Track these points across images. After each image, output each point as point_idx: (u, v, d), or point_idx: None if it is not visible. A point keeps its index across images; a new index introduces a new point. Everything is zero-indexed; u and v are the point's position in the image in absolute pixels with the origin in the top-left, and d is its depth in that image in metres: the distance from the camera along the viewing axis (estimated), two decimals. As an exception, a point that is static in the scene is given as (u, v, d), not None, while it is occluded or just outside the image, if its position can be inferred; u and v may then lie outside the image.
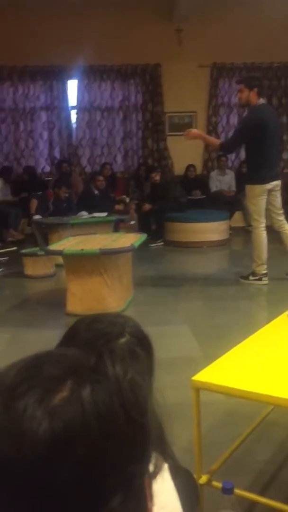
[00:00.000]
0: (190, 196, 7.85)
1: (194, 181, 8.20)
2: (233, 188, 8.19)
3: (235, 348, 1.86)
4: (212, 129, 8.58)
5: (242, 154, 8.68)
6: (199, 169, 8.50)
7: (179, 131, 8.55)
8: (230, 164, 8.57)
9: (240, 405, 2.26)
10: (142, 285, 4.83)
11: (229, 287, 4.90)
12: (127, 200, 7.74)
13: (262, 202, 4.58)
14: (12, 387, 0.48)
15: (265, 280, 4.70)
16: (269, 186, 4.57)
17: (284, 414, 2.21)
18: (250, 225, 7.83)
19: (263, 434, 2.08)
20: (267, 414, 2.07)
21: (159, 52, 8.11)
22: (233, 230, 7.54)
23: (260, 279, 4.71)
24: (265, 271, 4.70)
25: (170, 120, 8.53)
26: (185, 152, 8.45)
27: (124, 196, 7.84)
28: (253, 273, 4.75)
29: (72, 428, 0.45)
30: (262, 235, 4.63)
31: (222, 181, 8.24)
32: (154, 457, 0.54)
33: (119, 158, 8.60)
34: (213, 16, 7.90)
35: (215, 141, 4.87)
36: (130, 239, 4.36)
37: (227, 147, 4.74)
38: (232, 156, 8.66)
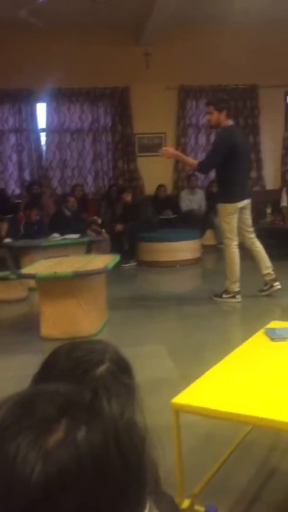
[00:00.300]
0: (161, 215, 7.90)
1: (164, 201, 8.27)
2: (203, 207, 8.29)
3: (213, 369, 1.86)
4: (181, 149, 8.68)
5: (212, 173, 8.82)
6: (169, 189, 8.58)
7: (149, 152, 8.68)
8: (200, 183, 8.68)
9: (220, 425, 2.25)
10: (117, 306, 4.80)
11: (203, 305, 4.93)
12: (99, 221, 7.73)
13: (234, 220, 4.65)
14: (3, 427, 0.45)
15: (239, 298, 4.74)
16: (240, 204, 4.65)
17: (264, 433, 2.21)
18: (221, 243, 7.96)
19: (244, 454, 2.08)
20: (247, 434, 2.07)
21: (127, 75, 8.23)
22: (205, 248, 7.61)
23: (233, 297, 4.75)
24: (238, 289, 4.75)
25: (139, 141, 8.62)
26: (155, 172, 8.54)
27: (96, 217, 7.83)
28: (226, 291, 4.79)
29: (66, 473, 0.43)
30: (234, 253, 4.69)
31: (192, 200, 8.34)
32: (148, 500, 0.52)
33: (89, 180, 8.61)
34: (179, 40, 8.10)
35: (191, 161, 4.92)
36: (104, 261, 4.35)
37: (203, 167, 4.80)
38: (201, 176, 8.78)
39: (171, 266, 6.82)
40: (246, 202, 4.72)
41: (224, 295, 4.78)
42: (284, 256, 6.28)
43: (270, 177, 8.94)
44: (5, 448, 0.44)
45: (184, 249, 7.08)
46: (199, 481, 1.78)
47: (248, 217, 4.80)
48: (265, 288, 4.87)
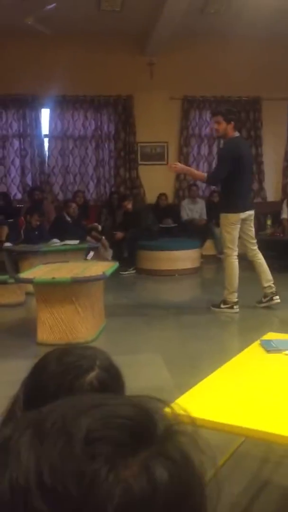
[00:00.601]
0: (162, 224, 7.92)
1: (165, 210, 8.28)
2: (204, 216, 8.30)
3: (207, 379, 1.86)
4: (183, 159, 8.73)
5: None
6: (170, 198, 8.60)
7: (151, 161, 8.72)
8: (201, 193, 8.71)
9: (213, 436, 2.24)
10: (114, 313, 4.80)
11: (201, 315, 4.92)
12: (99, 228, 7.75)
13: (236, 230, 4.66)
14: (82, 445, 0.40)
15: (236, 308, 4.74)
16: (243, 215, 4.66)
17: (256, 445, 2.20)
18: (222, 253, 7.97)
19: (236, 466, 2.06)
20: (239, 446, 2.06)
21: (131, 84, 8.28)
22: (204, 258, 7.61)
23: (231, 307, 4.74)
24: (236, 299, 4.75)
25: (142, 150, 8.66)
26: (156, 181, 8.57)
27: (96, 224, 7.85)
28: (225, 301, 4.78)
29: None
30: (234, 263, 4.70)
31: (193, 210, 8.36)
32: None
33: (91, 186, 8.64)
34: (184, 51, 8.16)
35: (200, 175, 4.94)
36: (102, 267, 4.35)
37: (213, 179, 4.82)
38: (202, 185, 8.82)
39: (170, 275, 6.82)
40: (249, 213, 4.73)
41: (222, 305, 4.78)
42: (284, 268, 6.28)
43: (271, 189, 8.97)
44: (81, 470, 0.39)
45: (184, 258, 7.08)
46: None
47: (251, 228, 4.81)
48: (263, 300, 4.87)
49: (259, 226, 8.10)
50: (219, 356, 2.95)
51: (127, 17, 7.15)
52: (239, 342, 3.91)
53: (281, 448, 2.16)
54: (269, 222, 7.41)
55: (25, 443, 0.41)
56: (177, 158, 8.71)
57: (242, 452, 2.12)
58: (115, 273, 4.87)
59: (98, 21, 7.30)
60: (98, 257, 6.91)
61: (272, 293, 4.82)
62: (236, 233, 4.67)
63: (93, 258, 6.63)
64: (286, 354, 2.11)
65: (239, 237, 4.77)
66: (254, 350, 2.21)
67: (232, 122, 4.61)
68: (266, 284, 4.82)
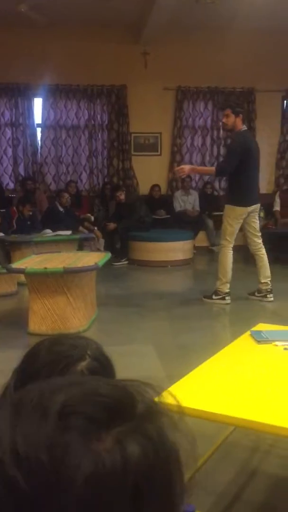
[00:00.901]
0: (155, 215, 7.91)
1: (158, 201, 8.27)
2: (197, 208, 8.31)
3: (197, 369, 1.87)
4: (176, 150, 8.72)
5: (206, 175, 8.86)
6: (163, 189, 8.59)
7: (144, 151, 8.69)
8: (194, 184, 8.70)
9: (203, 425, 2.26)
10: (107, 304, 4.81)
11: (193, 306, 4.94)
12: (92, 218, 7.73)
13: (238, 224, 4.69)
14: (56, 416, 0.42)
15: (228, 299, 4.76)
16: (250, 208, 4.69)
17: (246, 434, 2.22)
18: (214, 245, 7.98)
19: (225, 455, 2.09)
20: (229, 435, 2.08)
21: (125, 74, 8.23)
22: (197, 250, 7.63)
23: (223, 298, 4.77)
24: (228, 290, 4.77)
25: (135, 140, 8.62)
26: (150, 172, 8.55)
27: (89, 215, 7.83)
28: (216, 292, 4.80)
29: (106, 485, 0.40)
30: (229, 255, 4.72)
31: (186, 201, 8.35)
32: None
33: (84, 177, 8.60)
34: (178, 41, 8.10)
35: (209, 169, 4.95)
36: (94, 258, 4.35)
37: (222, 171, 4.77)
38: (196, 177, 8.81)
39: (163, 266, 6.83)
40: (256, 206, 4.76)
41: (214, 296, 4.80)
42: (277, 260, 6.30)
43: (264, 181, 8.94)
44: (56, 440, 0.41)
45: (176, 249, 7.09)
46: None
47: (256, 220, 4.84)
48: (257, 294, 4.88)
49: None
50: (210, 346, 2.97)
51: (121, 6, 7.08)
52: (231, 333, 3.93)
53: (270, 437, 2.18)
54: (262, 214, 7.41)
55: (4, 418, 0.43)
56: (170, 149, 8.70)
57: (232, 441, 2.14)
58: (108, 264, 4.87)
59: (92, 10, 7.22)
60: (91, 247, 6.92)
61: (267, 290, 4.84)
62: (237, 227, 4.69)
63: (85, 248, 6.64)
64: (276, 345, 2.13)
65: (243, 230, 4.80)
66: (244, 340, 2.22)
67: (241, 115, 4.61)
68: (263, 280, 4.84)
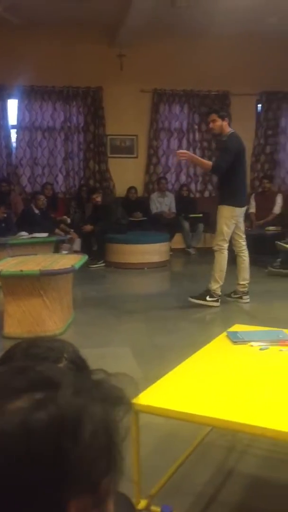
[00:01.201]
0: (131, 217, 7.91)
1: (135, 203, 8.28)
2: (173, 209, 8.34)
3: (174, 370, 1.87)
4: (153, 152, 8.74)
5: (183, 177, 8.91)
6: (140, 191, 8.60)
7: (121, 154, 8.69)
8: (170, 186, 8.74)
9: (180, 426, 2.27)
10: (83, 307, 4.78)
11: (170, 308, 4.95)
12: (68, 220, 7.69)
13: (233, 225, 4.73)
14: None
15: (219, 302, 4.77)
16: (243, 209, 4.83)
17: (222, 435, 2.24)
18: (191, 247, 8.03)
19: (202, 456, 2.10)
20: (206, 436, 2.09)
21: (101, 76, 8.22)
22: (173, 252, 7.66)
23: (217, 300, 4.76)
24: (220, 293, 4.80)
25: (111, 142, 8.62)
26: (126, 174, 8.55)
27: (65, 217, 7.79)
28: (211, 294, 4.74)
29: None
30: (226, 257, 4.74)
31: (162, 203, 8.38)
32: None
33: (60, 179, 8.55)
34: (154, 44, 8.14)
35: (207, 163, 4.86)
36: (71, 260, 4.32)
37: (218, 168, 4.74)
38: (172, 179, 8.85)
39: (139, 268, 6.84)
40: (246, 207, 4.90)
41: (208, 298, 4.75)
42: (253, 261, 6.36)
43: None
44: None
45: (153, 251, 7.11)
46: (157, 482, 1.79)
47: (242, 222, 4.90)
48: (233, 295, 4.93)
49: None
50: (187, 348, 2.98)
51: (97, 8, 7.07)
52: (207, 334, 3.94)
53: (247, 437, 2.20)
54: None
55: None
56: (146, 151, 8.72)
57: (208, 442, 2.15)
58: (84, 266, 4.85)
59: (67, 11, 7.19)
60: (67, 249, 6.88)
61: (243, 292, 4.89)
62: (233, 227, 4.74)
63: (64, 250, 6.60)
64: (252, 345, 2.15)
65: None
66: (220, 341, 2.24)
67: (226, 118, 4.75)
68: (241, 282, 4.89)
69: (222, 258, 4.73)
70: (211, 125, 4.76)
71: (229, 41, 8.11)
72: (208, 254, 7.35)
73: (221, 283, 4.75)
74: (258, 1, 6.64)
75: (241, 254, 4.88)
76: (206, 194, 8.93)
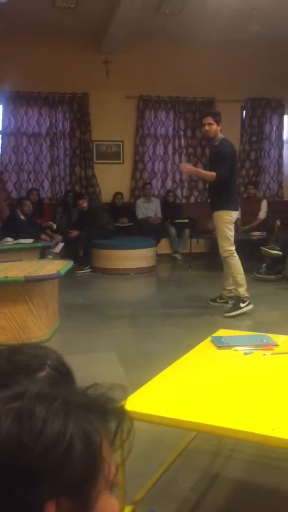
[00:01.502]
0: (117, 223, 7.92)
1: (121, 209, 8.29)
2: (159, 215, 8.37)
3: (159, 375, 1.88)
4: (139, 158, 8.77)
5: (168, 183, 8.94)
6: (126, 197, 8.62)
7: (107, 159, 8.70)
8: (156, 192, 8.77)
9: (166, 432, 2.27)
10: (69, 313, 4.77)
11: (156, 313, 4.96)
12: (54, 226, 7.67)
13: (233, 227, 4.78)
14: None
15: (251, 304, 4.73)
16: (237, 213, 4.87)
17: (208, 440, 2.25)
18: (176, 252, 8.05)
19: (188, 461, 2.10)
20: (191, 441, 2.10)
21: (87, 82, 8.23)
22: (160, 257, 7.68)
23: (249, 304, 4.72)
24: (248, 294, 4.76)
25: (97, 148, 8.63)
26: (112, 180, 8.56)
27: (51, 223, 7.77)
28: (242, 300, 4.69)
29: None
30: (239, 260, 4.73)
31: (148, 208, 8.41)
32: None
33: (46, 184, 8.53)
34: (140, 50, 8.18)
35: (210, 174, 4.77)
36: (56, 266, 4.31)
37: (223, 175, 4.68)
38: (158, 185, 8.88)
39: (126, 273, 6.84)
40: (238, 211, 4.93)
41: (241, 305, 4.69)
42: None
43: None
44: None
45: (139, 257, 7.11)
46: (142, 487, 1.79)
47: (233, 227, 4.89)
48: (219, 300, 4.92)
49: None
50: (172, 353, 2.99)
51: (82, 14, 7.10)
52: (193, 339, 3.95)
53: (232, 442, 2.21)
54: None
55: None
56: (132, 157, 8.74)
57: (194, 447, 2.16)
58: (70, 272, 4.84)
59: (53, 17, 7.21)
60: (52, 254, 6.85)
61: (229, 297, 4.87)
62: (233, 230, 4.78)
63: (47, 256, 6.57)
64: (236, 350, 2.17)
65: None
66: (205, 346, 2.25)
67: (220, 124, 4.77)
68: (228, 287, 4.87)
69: (236, 261, 4.71)
70: (206, 127, 4.73)
71: (214, 48, 8.19)
72: (194, 259, 7.40)
73: (245, 285, 4.72)
74: (241, 9, 6.72)
75: (228, 259, 4.83)
76: (192, 199, 8.97)
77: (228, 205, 4.72)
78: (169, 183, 8.93)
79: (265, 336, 2.36)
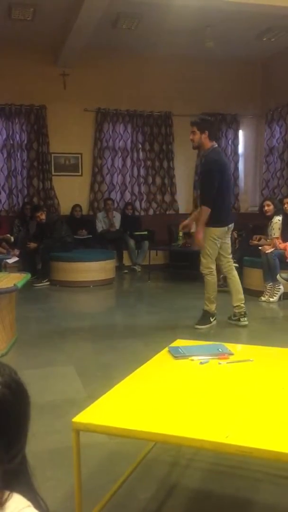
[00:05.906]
0: (76, 235, 7.89)
1: (80, 221, 8.27)
2: (117, 226, 8.40)
3: (115, 387, 1.88)
4: (97, 170, 8.79)
5: (127, 196, 8.99)
6: (85, 209, 8.60)
7: (65, 171, 8.67)
8: (115, 205, 8.79)
9: (123, 444, 2.27)
10: (27, 326, 4.70)
11: (115, 325, 4.95)
12: (12, 239, 7.56)
13: (217, 245, 4.53)
14: None
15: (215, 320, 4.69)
16: (225, 228, 4.54)
17: (166, 450, 2.26)
18: (136, 264, 8.09)
19: (146, 472, 2.10)
20: (148, 452, 2.10)
21: (44, 94, 8.22)
22: (119, 269, 7.68)
23: (215, 319, 4.68)
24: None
25: (56, 160, 8.59)
26: (71, 192, 8.54)
27: (8, 235, 7.65)
28: (212, 314, 4.66)
29: None
30: (216, 277, 4.65)
31: (108, 223, 8.42)
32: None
33: (3, 197, 8.41)
34: (97, 64, 8.25)
35: (206, 213, 4.46)
36: (13, 279, 4.24)
37: (208, 200, 4.45)
38: (117, 197, 8.92)
39: (85, 286, 6.81)
40: (230, 226, 4.59)
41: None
42: (195, 277, 6.49)
43: (183, 201, 9.26)
44: None
45: (98, 269, 7.10)
46: (99, 501, 1.78)
47: (228, 242, 4.68)
48: (233, 318, 4.76)
49: (171, 237, 8.35)
50: (132, 365, 2.99)
51: (39, 27, 7.10)
52: (152, 351, 3.97)
53: (190, 452, 2.23)
54: (180, 233, 7.63)
55: None
56: (91, 170, 8.75)
57: (152, 458, 2.16)
58: (28, 285, 4.77)
59: (10, 29, 7.18)
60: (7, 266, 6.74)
61: (240, 313, 4.69)
62: (217, 248, 4.53)
63: (5, 270, 6.45)
64: (192, 359, 2.20)
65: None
66: (162, 357, 2.27)
67: (207, 132, 4.46)
68: (235, 304, 4.70)
69: (213, 280, 4.60)
70: (191, 136, 4.53)
71: (172, 63, 8.35)
72: (153, 270, 7.45)
73: (216, 303, 4.65)
74: (196, 26, 6.89)
75: (229, 275, 4.71)
76: (151, 212, 9.05)
77: (215, 223, 4.45)
78: (127, 196, 8.99)
79: (221, 345, 2.40)
